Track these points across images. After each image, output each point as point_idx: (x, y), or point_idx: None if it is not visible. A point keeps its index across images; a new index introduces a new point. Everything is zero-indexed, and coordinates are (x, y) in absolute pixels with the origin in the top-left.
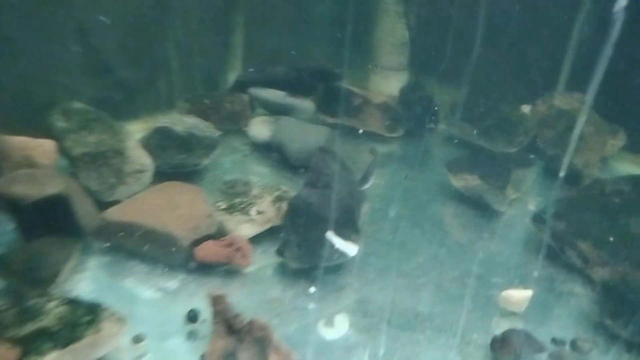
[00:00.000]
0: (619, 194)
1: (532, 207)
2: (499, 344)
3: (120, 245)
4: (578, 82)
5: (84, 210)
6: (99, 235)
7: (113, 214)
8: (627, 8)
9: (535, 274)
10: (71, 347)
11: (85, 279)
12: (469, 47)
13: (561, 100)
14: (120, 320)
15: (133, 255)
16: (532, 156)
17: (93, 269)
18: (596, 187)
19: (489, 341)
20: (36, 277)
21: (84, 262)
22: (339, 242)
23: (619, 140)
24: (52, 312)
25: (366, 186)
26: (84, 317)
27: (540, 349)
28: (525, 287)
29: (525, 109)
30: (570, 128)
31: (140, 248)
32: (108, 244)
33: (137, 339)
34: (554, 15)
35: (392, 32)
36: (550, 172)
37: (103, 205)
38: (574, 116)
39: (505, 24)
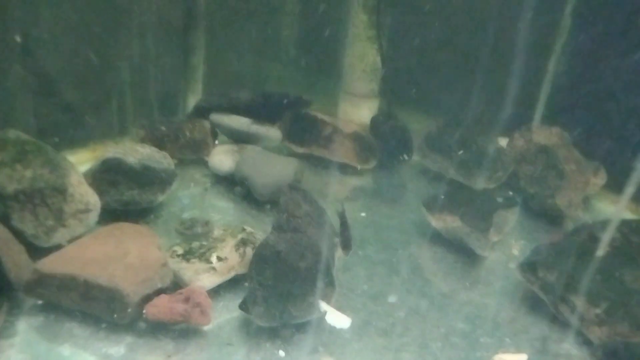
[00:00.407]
0: (609, 241)
1: (515, 251)
2: None
3: (57, 302)
4: (555, 116)
5: (13, 259)
6: (31, 291)
7: (49, 264)
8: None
9: (527, 333)
10: None
11: (12, 347)
12: (443, 75)
13: (539, 134)
14: None
15: (72, 314)
16: (511, 194)
17: (22, 333)
18: (583, 232)
19: None
20: None
21: (11, 324)
22: (331, 315)
23: (600, 179)
24: None
25: (348, 253)
26: None
27: None
28: (518, 350)
29: (502, 141)
30: (550, 165)
31: (80, 306)
32: (42, 301)
33: None
34: (532, 44)
35: (364, 58)
36: (530, 211)
37: (40, 251)
38: (554, 152)
39: (481, 52)
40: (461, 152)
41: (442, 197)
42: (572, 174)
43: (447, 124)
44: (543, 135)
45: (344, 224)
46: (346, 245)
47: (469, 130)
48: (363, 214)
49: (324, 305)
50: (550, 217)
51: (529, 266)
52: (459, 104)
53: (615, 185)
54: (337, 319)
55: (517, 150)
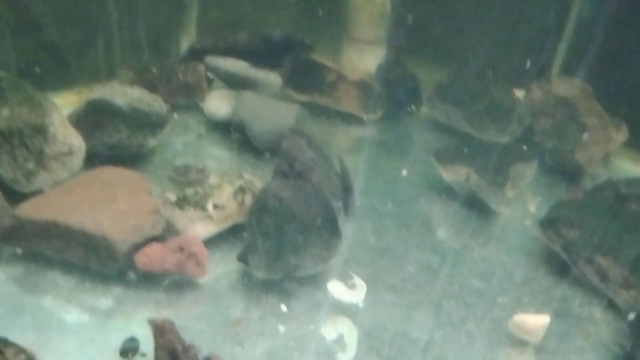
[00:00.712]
0: (636, 199)
1: (532, 208)
2: None
3: (38, 251)
4: (576, 67)
5: None
6: (10, 239)
7: (29, 210)
8: None
9: (547, 294)
10: None
11: None
12: (456, 21)
13: (559, 86)
14: (30, 359)
15: (54, 263)
16: (526, 149)
17: (0, 284)
18: (608, 189)
19: None
20: None
21: None
22: (342, 292)
23: (622, 135)
24: None
25: (352, 211)
26: None
27: None
28: (537, 311)
29: (518, 93)
30: (571, 118)
31: (64, 255)
32: (21, 250)
33: None
34: None
35: (371, 0)
36: (547, 167)
37: (20, 197)
38: (575, 105)
39: None
40: (474, 103)
41: (454, 148)
42: (594, 128)
43: (459, 74)
44: (563, 87)
45: (346, 186)
46: (348, 210)
47: (482, 81)
48: (368, 166)
49: (334, 285)
50: (569, 173)
51: (550, 223)
52: (473, 53)
53: (637, 142)
54: (350, 295)
55: (534, 103)
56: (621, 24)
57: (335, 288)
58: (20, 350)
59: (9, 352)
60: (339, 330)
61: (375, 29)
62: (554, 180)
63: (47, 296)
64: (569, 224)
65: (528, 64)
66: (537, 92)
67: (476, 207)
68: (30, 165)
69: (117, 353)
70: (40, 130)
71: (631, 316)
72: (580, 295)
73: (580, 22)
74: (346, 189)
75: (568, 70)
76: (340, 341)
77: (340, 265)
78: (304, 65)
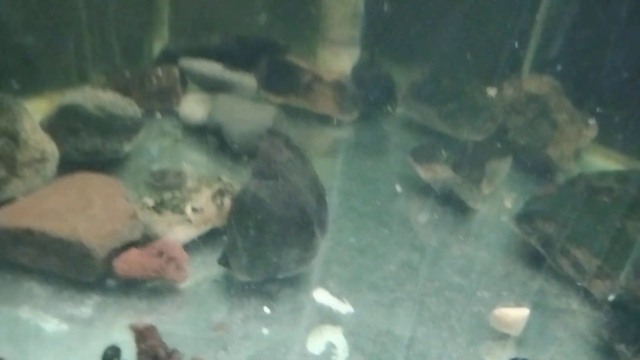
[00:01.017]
0: (607, 191)
1: (508, 204)
2: None
3: (13, 259)
4: (546, 64)
5: None
6: None
7: (2, 218)
8: None
9: (525, 287)
10: None
11: None
12: (429, 20)
13: (530, 83)
14: None
15: (31, 273)
16: (499, 146)
17: None
18: (580, 182)
19: None
20: None
21: None
22: (332, 302)
23: (592, 131)
24: None
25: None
26: None
27: None
28: (517, 304)
29: (491, 91)
30: (542, 115)
31: (39, 263)
32: None
33: None
34: None
35: (344, 1)
36: (520, 163)
37: None
38: (546, 101)
39: None
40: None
41: (431, 147)
42: (565, 124)
43: (433, 73)
44: (534, 84)
45: (321, 202)
46: (323, 227)
47: (456, 80)
48: (345, 166)
49: (321, 293)
50: (541, 169)
51: (526, 217)
52: (447, 52)
53: (606, 138)
54: (341, 305)
55: (506, 100)
56: (589, 21)
57: (322, 296)
58: None
59: None
60: (322, 331)
61: (349, 29)
62: (527, 176)
63: (23, 306)
64: (544, 218)
65: (499, 62)
66: (509, 90)
67: (453, 204)
68: (2, 172)
69: None
70: (11, 136)
71: (606, 307)
72: (557, 287)
73: (549, 19)
74: (320, 206)
75: (538, 67)
76: (324, 342)
77: (321, 266)
78: (278, 66)
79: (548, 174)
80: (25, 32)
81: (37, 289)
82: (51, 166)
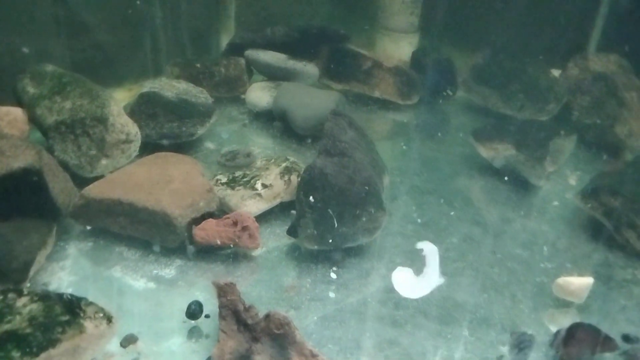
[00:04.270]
0: None
1: (572, 181)
2: (564, 340)
3: (105, 227)
4: (612, 43)
5: (60, 186)
6: (79, 216)
7: (95, 190)
8: None
9: (589, 259)
10: (46, 354)
11: (64, 269)
12: (489, 3)
13: (596, 62)
14: (107, 318)
15: (120, 239)
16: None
17: (72, 257)
18: None
19: (548, 337)
20: (3, 268)
21: (61, 248)
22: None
23: None
24: (23, 311)
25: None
26: (62, 316)
27: (612, 347)
28: (580, 274)
29: (555, 72)
30: (609, 93)
31: (128, 230)
32: (90, 227)
33: (129, 340)
34: None
35: None
36: (586, 143)
37: (83, 182)
38: (613, 80)
39: None
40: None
41: (492, 127)
42: (633, 102)
43: (494, 55)
44: (600, 63)
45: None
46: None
47: (518, 61)
48: (405, 147)
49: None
50: (607, 148)
51: (592, 192)
52: (509, 34)
53: None
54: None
55: (571, 80)
56: None
57: (401, 275)
58: (99, 309)
59: (89, 311)
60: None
61: (407, 17)
62: (592, 155)
63: (116, 267)
64: (611, 192)
65: (564, 42)
66: (574, 70)
67: (516, 182)
68: (93, 152)
69: (184, 314)
70: (101, 120)
71: None
72: (622, 259)
73: None
74: (381, 182)
75: (604, 47)
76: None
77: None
78: (340, 54)
79: (615, 152)
80: (107, 29)
81: (127, 253)
82: (135, 147)
